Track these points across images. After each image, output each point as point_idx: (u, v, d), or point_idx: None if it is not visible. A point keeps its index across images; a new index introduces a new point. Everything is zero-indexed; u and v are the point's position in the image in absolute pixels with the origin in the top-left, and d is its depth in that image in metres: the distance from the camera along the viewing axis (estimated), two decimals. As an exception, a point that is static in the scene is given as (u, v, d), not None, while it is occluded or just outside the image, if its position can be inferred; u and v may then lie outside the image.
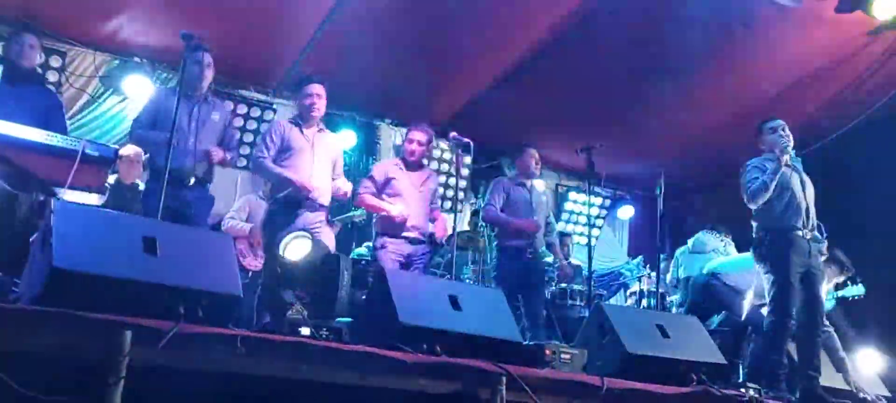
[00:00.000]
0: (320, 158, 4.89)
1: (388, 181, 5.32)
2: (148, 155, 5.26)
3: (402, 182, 5.32)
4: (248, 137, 7.13)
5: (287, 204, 4.70)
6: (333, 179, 5.00)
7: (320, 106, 4.94)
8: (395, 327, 3.24)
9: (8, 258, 3.43)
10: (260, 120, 7.15)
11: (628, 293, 8.12)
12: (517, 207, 5.84)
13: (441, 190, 8.20)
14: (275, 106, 7.23)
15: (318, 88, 4.94)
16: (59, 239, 2.59)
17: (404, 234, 5.23)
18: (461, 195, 7.68)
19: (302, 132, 4.89)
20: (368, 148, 7.86)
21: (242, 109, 7.15)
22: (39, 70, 5.74)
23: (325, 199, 4.88)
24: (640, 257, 8.39)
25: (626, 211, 9.29)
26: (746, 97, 7.14)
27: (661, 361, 3.85)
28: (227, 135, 4.94)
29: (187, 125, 4.57)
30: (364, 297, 4.74)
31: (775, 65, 6.76)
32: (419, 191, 5.37)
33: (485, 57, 6.90)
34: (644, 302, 7.54)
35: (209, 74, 4.75)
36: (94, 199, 4.88)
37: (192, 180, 4.61)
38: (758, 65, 6.73)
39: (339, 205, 6.19)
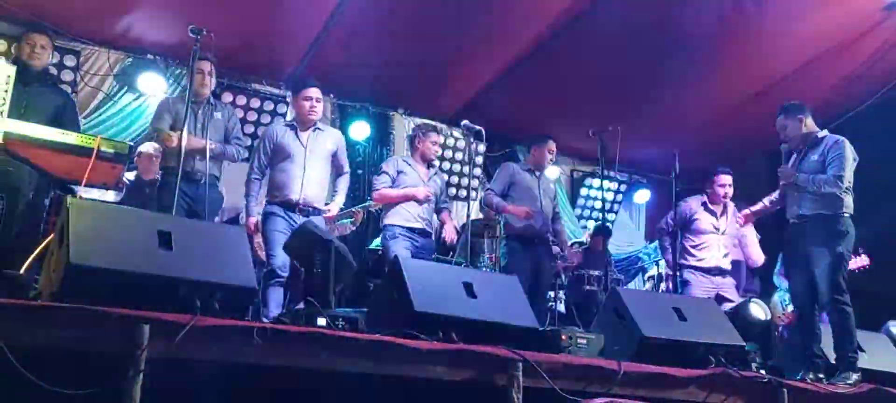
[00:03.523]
0: (314, 160, 4.94)
1: (398, 174, 5.46)
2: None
3: (411, 176, 5.46)
4: (262, 131, 7.15)
5: (283, 207, 4.82)
6: (340, 175, 5.17)
7: (319, 110, 5.04)
8: (411, 315, 3.24)
9: (28, 256, 3.47)
10: (273, 113, 7.18)
11: (646, 277, 8.09)
12: (522, 193, 5.84)
13: (455, 178, 8.25)
14: (287, 99, 7.24)
15: (317, 92, 5.02)
16: (76, 236, 2.62)
17: (413, 226, 5.34)
18: (475, 183, 7.68)
19: (297, 135, 4.96)
20: (382, 138, 7.87)
21: (255, 103, 7.17)
22: (54, 70, 5.81)
23: (320, 203, 4.97)
24: (657, 241, 8.34)
25: (643, 195, 9.24)
26: (760, 76, 7.06)
27: (679, 344, 3.83)
28: (231, 129, 5.09)
29: (193, 127, 4.80)
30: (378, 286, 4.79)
31: (789, 43, 6.67)
32: (427, 186, 5.50)
33: (497, 44, 6.88)
34: (662, 286, 7.51)
35: (210, 81, 4.94)
36: (110, 196, 4.93)
37: (202, 178, 4.80)
38: (771, 43, 6.65)
39: (351, 198, 6.22)
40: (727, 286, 6.10)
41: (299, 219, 4.74)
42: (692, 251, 6.19)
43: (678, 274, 6.24)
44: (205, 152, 4.85)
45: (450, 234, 5.65)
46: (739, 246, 6.61)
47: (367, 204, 6.50)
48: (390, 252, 5.26)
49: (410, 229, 5.33)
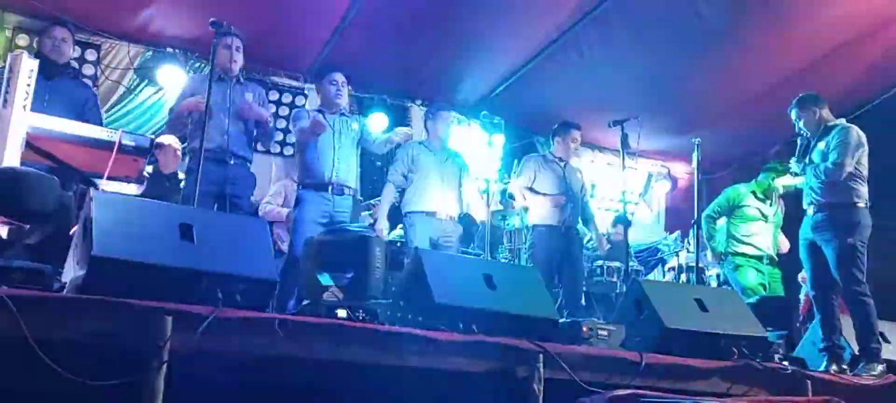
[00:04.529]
0: (344, 142, 5.02)
1: (412, 159, 5.46)
2: (186, 143, 5.35)
3: (426, 161, 5.45)
4: (281, 123, 7.17)
5: (316, 189, 4.87)
6: (371, 140, 5.19)
7: (344, 94, 5.16)
8: (431, 307, 3.24)
9: (53, 248, 3.50)
10: (292, 106, 7.19)
11: (666, 268, 8.04)
12: (549, 184, 5.81)
13: (473, 169, 8.22)
14: (306, 91, 7.26)
15: (342, 77, 5.13)
16: (99, 228, 2.63)
17: (432, 211, 5.33)
18: (493, 175, 7.65)
19: (325, 119, 4.99)
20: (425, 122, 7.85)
21: (274, 96, 7.19)
22: (75, 64, 5.85)
23: (352, 183, 5.01)
24: (678, 232, 8.29)
25: (662, 186, 9.17)
26: (784, 65, 6.96)
27: (701, 335, 3.80)
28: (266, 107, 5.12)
29: (222, 108, 4.68)
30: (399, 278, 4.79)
31: (814, 30, 6.56)
32: (443, 168, 5.46)
33: (516, 34, 6.84)
34: (683, 277, 7.46)
35: (239, 58, 4.88)
36: (132, 189, 4.97)
37: (232, 159, 4.74)
38: (794, 31, 6.55)
39: (370, 190, 6.23)
40: (775, 278, 6.09)
41: (333, 198, 4.84)
42: (741, 238, 6.20)
43: (724, 259, 6.27)
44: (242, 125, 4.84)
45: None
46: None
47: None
48: (411, 241, 5.27)
49: (429, 214, 5.34)
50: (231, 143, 4.71)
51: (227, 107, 4.68)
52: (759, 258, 6.19)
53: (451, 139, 5.83)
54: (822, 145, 4.81)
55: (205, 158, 4.31)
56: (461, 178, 5.65)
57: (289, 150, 7.17)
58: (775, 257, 6.29)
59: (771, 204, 6.30)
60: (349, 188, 4.97)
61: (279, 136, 7.16)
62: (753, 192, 6.29)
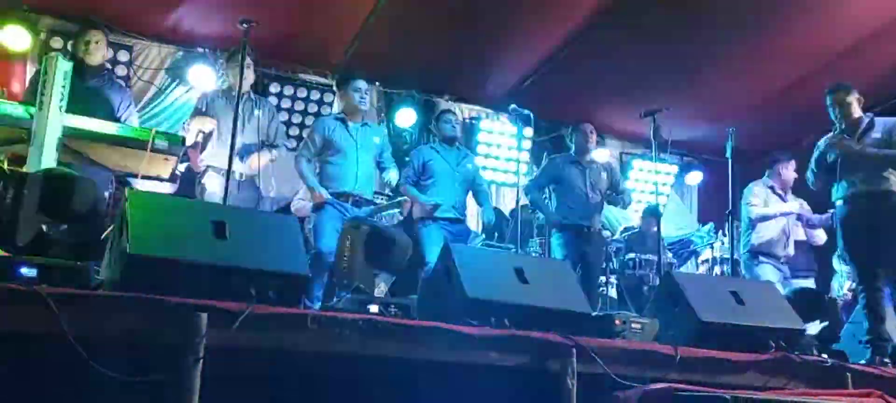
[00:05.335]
0: (365, 153, 5.07)
1: (424, 164, 5.44)
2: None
3: (438, 164, 5.44)
4: (309, 120, 7.21)
5: (335, 197, 4.90)
6: (383, 169, 5.23)
7: (368, 100, 5.24)
8: (462, 301, 3.23)
9: (90, 246, 3.56)
10: (320, 103, 7.23)
11: (700, 260, 7.94)
12: (570, 185, 5.79)
13: (503, 164, 8.20)
14: (334, 88, 7.28)
15: (364, 84, 5.18)
16: (134, 226, 2.67)
17: (440, 216, 5.33)
18: (523, 168, 7.63)
19: (347, 128, 5.01)
20: (428, 125, 7.86)
21: (302, 93, 7.23)
22: (108, 65, 5.93)
23: (370, 194, 5.09)
24: (711, 223, 8.18)
25: (695, 177, 9.04)
26: (817, 53, 6.82)
27: (737, 328, 3.73)
28: (273, 129, 5.23)
29: (231, 124, 4.75)
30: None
31: (848, 16, 6.43)
32: (456, 172, 5.47)
33: (543, 26, 6.79)
34: (717, 270, 7.37)
35: (249, 74, 4.93)
36: (165, 188, 5.05)
37: (240, 176, 4.90)
38: (829, 17, 6.41)
39: (387, 196, 6.28)
40: (791, 272, 6.04)
41: (352, 209, 4.85)
42: (762, 235, 6.14)
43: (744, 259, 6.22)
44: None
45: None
46: (803, 226, 6.51)
47: (399, 199, 6.54)
48: (424, 245, 5.26)
49: (437, 219, 5.34)
50: (239, 164, 4.85)
51: (238, 126, 4.74)
52: (777, 256, 6.14)
53: (458, 138, 5.87)
54: (876, 134, 4.75)
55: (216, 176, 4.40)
56: (476, 179, 5.67)
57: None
58: (791, 253, 6.26)
59: (791, 199, 6.27)
60: (367, 200, 5.02)
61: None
62: (771, 187, 6.26)
